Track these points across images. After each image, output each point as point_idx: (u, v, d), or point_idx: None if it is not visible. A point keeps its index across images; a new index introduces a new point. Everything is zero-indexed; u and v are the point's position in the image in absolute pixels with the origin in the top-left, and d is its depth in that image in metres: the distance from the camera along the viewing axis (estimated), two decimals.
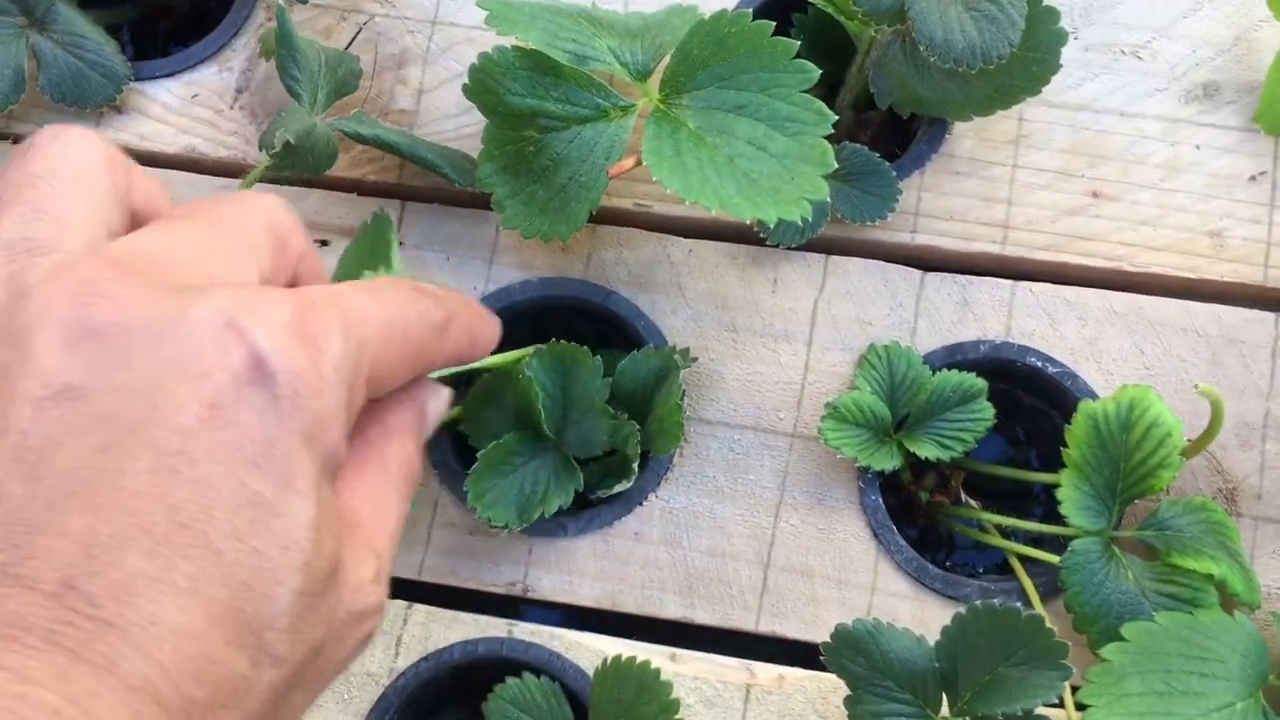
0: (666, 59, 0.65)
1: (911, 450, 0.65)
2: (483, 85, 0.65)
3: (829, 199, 0.60)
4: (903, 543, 0.66)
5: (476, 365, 0.53)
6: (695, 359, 0.67)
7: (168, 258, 0.39)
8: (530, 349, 0.63)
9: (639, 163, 0.61)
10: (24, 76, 0.71)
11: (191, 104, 0.73)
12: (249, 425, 0.35)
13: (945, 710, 0.57)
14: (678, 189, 0.59)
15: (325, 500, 0.37)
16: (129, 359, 0.35)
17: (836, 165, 0.60)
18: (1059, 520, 0.64)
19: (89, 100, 0.72)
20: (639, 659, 0.59)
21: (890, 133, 0.76)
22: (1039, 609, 0.64)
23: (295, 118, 0.63)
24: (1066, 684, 0.54)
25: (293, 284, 0.44)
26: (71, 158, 0.40)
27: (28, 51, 0.71)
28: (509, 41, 0.64)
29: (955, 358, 0.68)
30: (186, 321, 0.35)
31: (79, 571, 0.32)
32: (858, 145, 0.69)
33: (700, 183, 0.60)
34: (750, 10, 0.62)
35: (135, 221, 0.42)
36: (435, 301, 0.44)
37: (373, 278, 0.50)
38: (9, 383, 0.34)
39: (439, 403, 0.48)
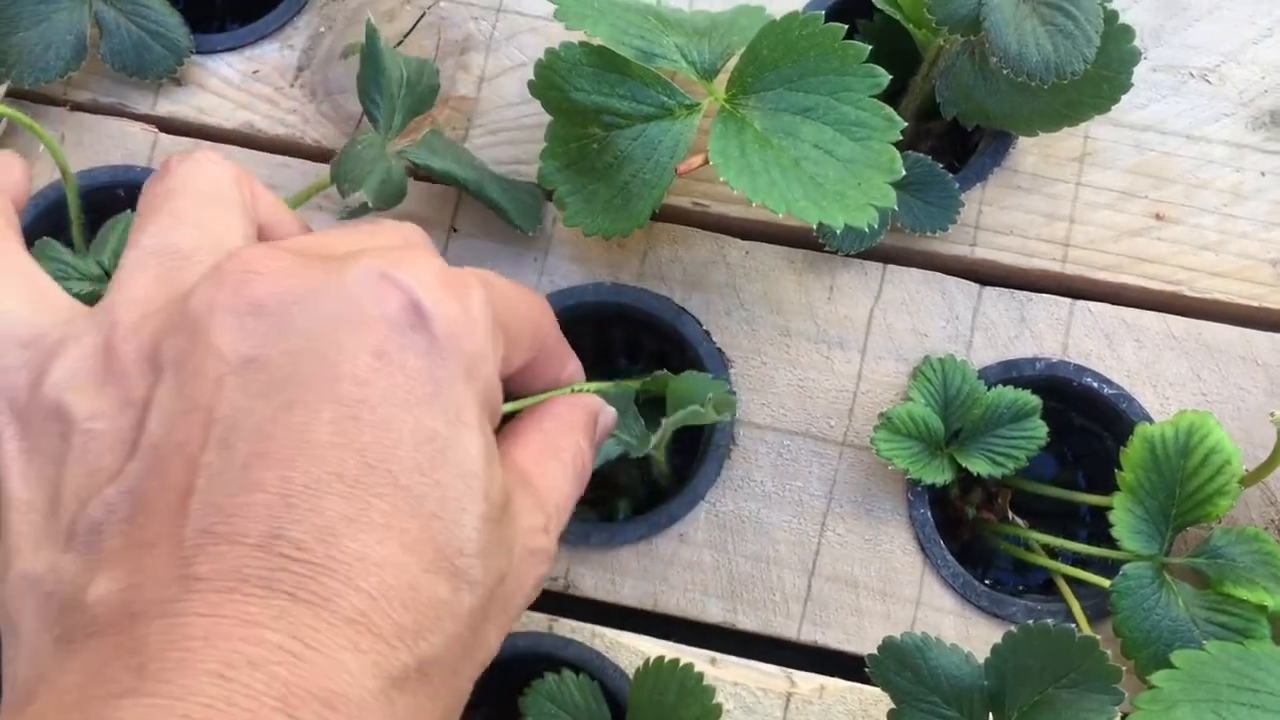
0: (734, 59, 0.64)
1: (963, 465, 0.65)
2: (548, 81, 0.64)
3: (895, 207, 0.60)
4: (950, 558, 0.66)
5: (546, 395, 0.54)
6: (731, 416, 0.68)
7: (313, 241, 0.42)
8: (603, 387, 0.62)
9: (706, 161, 0.61)
10: (85, 43, 0.70)
11: (251, 80, 0.73)
12: (416, 368, 0.38)
13: None
14: (744, 190, 0.59)
15: (489, 436, 0.40)
16: (296, 323, 0.37)
17: (904, 173, 0.60)
18: (1105, 543, 0.64)
19: (150, 71, 0.71)
20: (682, 662, 0.59)
21: (950, 144, 0.76)
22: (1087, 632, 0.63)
23: (370, 162, 0.61)
24: (1118, 710, 0.54)
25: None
26: (203, 175, 0.44)
27: (91, 18, 0.70)
28: (575, 36, 0.63)
29: (1010, 374, 0.67)
30: (343, 281, 0.38)
31: (283, 520, 0.35)
32: (921, 155, 0.69)
33: (767, 184, 0.59)
34: (822, 13, 0.61)
35: (262, 235, 0.45)
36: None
37: None
38: (191, 367, 0.37)
39: (608, 417, 0.54)
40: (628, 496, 0.72)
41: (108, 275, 0.62)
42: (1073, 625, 0.55)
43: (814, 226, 0.67)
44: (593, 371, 0.77)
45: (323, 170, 0.71)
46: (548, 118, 0.66)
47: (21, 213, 0.49)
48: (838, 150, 0.61)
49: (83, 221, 0.65)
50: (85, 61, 0.70)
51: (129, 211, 0.66)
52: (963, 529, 0.70)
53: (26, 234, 0.69)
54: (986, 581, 0.71)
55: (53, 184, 0.71)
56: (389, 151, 0.63)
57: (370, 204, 0.60)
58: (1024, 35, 0.62)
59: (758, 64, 0.62)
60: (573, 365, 0.58)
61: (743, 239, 0.70)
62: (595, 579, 0.66)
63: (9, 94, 0.72)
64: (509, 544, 0.41)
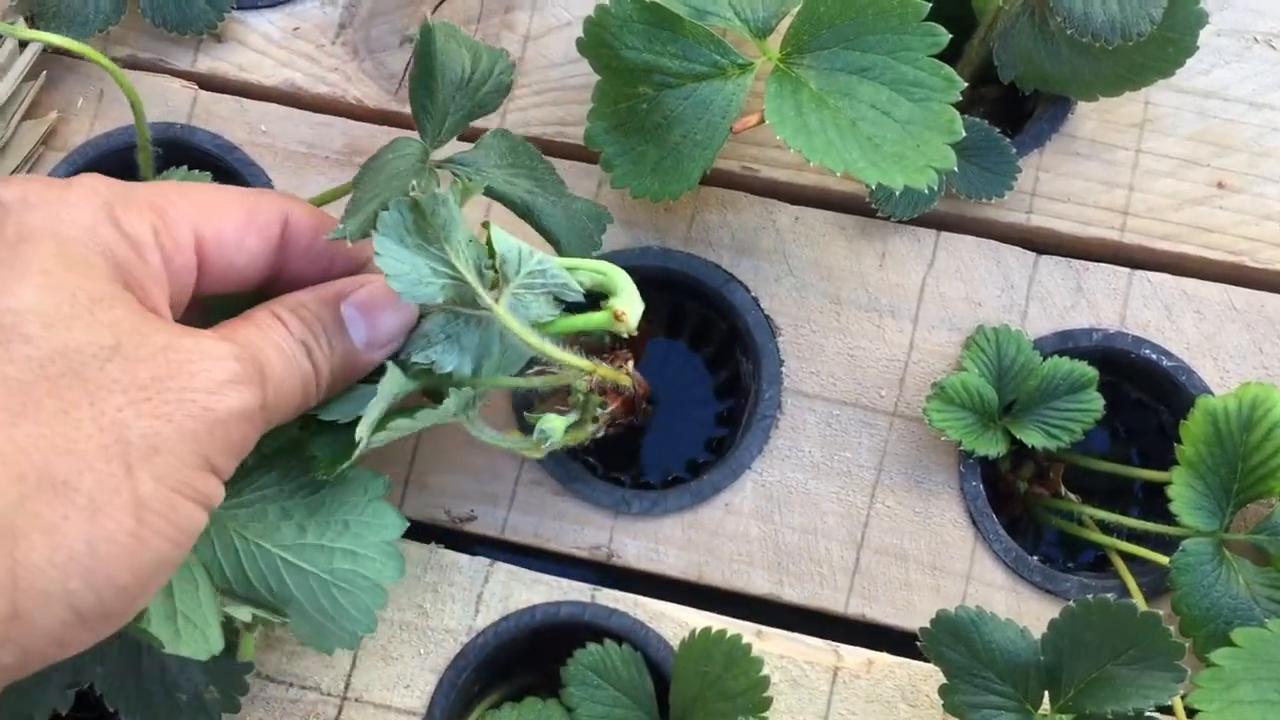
0: (787, 17, 0.63)
1: (1017, 437, 0.63)
2: (598, 39, 0.63)
3: (955, 169, 0.58)
4: (1002, 532, 0.64)
5: None
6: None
7: None
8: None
9: (761, 120, 0.59)
10: None
11: (292, 37, 0.72)
12: None
13: (1046, 706, 0.55)
14: (801, 149, 0.57)
15: (64, 282, 0.43)
16: None
17: (964, 134, 0.58)
18: (1159, 519, 0.62)
19: (190, 27, 0.70)
20: (729, 632, 0.58)
21: (1003, 110, 0.74)
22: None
23: (402, 176, 0.53)
24: (1179, 687, 0.52)
25: None
26: None
27: None
28: None
29: (1066, 345, 0.66)
30: None
31: None
32: (976, 119, 0.67)
33: (824, 144, 0.58)
34: None
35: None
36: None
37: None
38: None
39: (395, 316, 0.53)
40: None
41: None
42: (1133, 601, 0.53)
43: (868, 191, 0.66)
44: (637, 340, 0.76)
45: (363, 129, 0.70)
46: (594, 78, 0.65)
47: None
48: (895, 111, 0.59)
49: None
50: (124, 16, 0.69)
51: (176, 168, 0.66)
52: (1013, 503, 0.69)
53: None
54: (1035, 557, 0.69)
55: (91, 141, 0.69)
56: (430, 162, 0.57)
57: (349, 239, 0.49)
58: None
59: (814, 22, 0.60)
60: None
61: (792, 204, 0.68)
62: (638, 549, 0.64)
63: (47, 49, 0.70)
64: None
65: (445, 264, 0.50)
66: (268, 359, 0.47)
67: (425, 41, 0.55)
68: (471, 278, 0.51)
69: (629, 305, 0.56)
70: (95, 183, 0.47)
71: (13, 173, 0.69)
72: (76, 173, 0.69)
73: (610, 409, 0.60)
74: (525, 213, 0.60)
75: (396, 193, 0.50)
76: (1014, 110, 0.74)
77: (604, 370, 0.58)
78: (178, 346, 0.43)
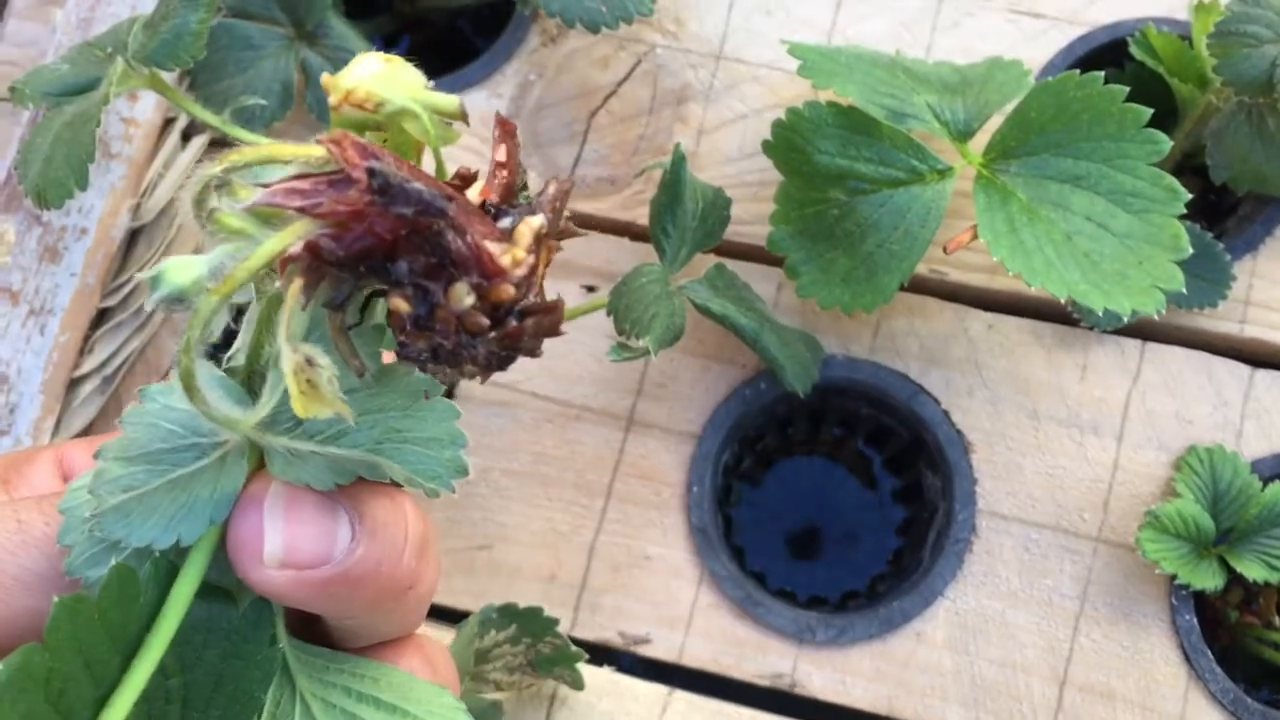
0: (992, 119, 0.59)
1: (1235, 568, 0.59)
2: (788, 143, 0.60)
3: (1184, 290, 0.54)
4: (1218, 670, 0.60)
5: None
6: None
7: None
8: None
9: (975, 237, 0.56)
10: (293, 91, 0.67)
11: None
12: None
13: None
14: (1020, 271, 0.54)
15: None
16: None
17: (1191, 251, 0.54)
18: None
19: None
20: None
21: (1201, 208, 0.69)
22: None
23: (655, 301, 0.55)
24: None
25: None
26: None
27: (297, 65, 0.67)
28: (799, 84, 0.59)
29: None
30: None
31: None
32: (1188, 224, 0.63)
33: (1044, 265, 0.54)
34: (1101, 74, 0.56)
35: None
36: None
37: None
38: None
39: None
40: None
41: None
42: None
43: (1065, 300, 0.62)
44: (803, 444, 0.73)
45: None
46: (770, 174, 0.62)
47: None
48: (1112, 224, 0.55)
49: None
50: (292, 110, 0.67)
51: None
52: (1221, 632, 0.64)
53: None
54: (1246, 692, 0.65)
55: None
56: (672, 287, 0.58)
57: (653, 353, 0.54)
58: None
59: (1024, 126, 0.57)
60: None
61: (985, 310, 0.64)
62: (824, 679, 0.61)
63: (211, 143, 0.69)
64: None
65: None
66: None
67: (677, 169, 0.54)
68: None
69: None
70: None
71: None
72: None
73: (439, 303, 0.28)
74: (753, 340, 0.59)
75: (665, 312, 0.53)
76: (1212, 207, 0.69)
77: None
78: None
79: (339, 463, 0.32)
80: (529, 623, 0.57)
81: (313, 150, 0.28)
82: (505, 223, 0.29)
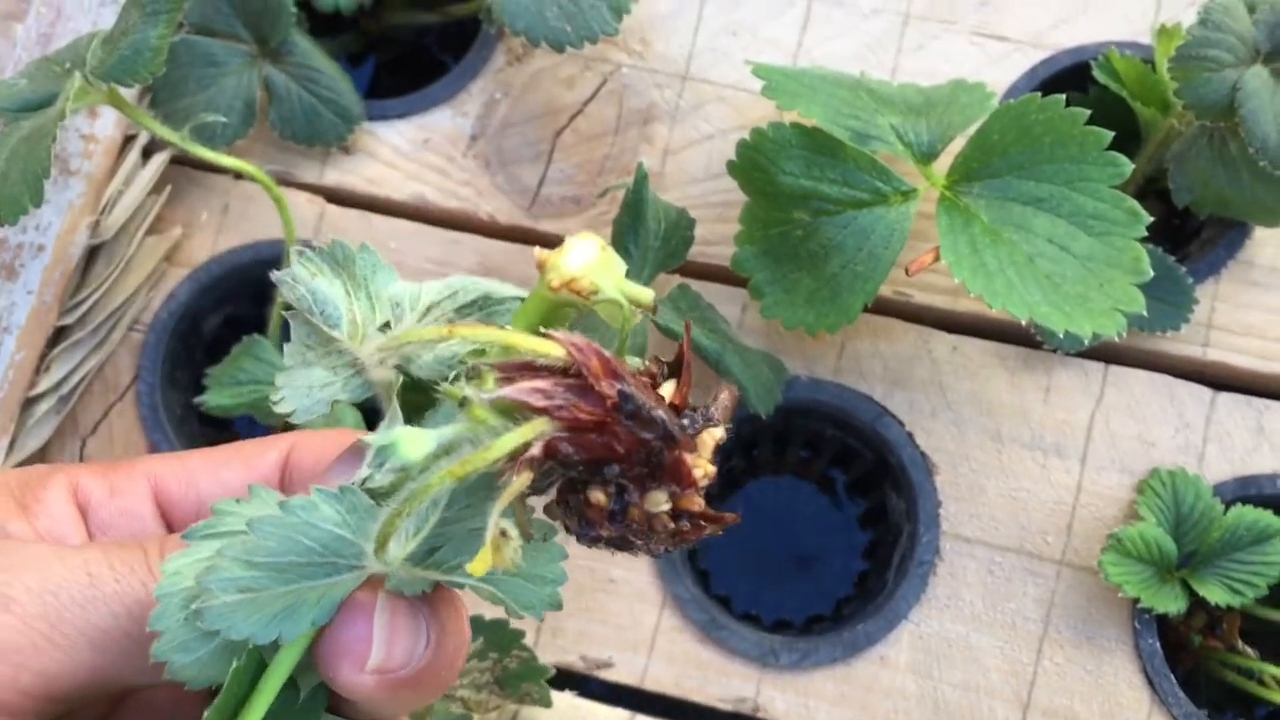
0: (955, 141, 0.59)
1: (1198, 592, 0.59)
2: (751, 162, 0.60)
3: (1145, 312, 0.54)
4: (1181, 695, 0.59)
5: None
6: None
7: None
8: None
9: (937, 259, 0.56)
10: (255, 109, 0.67)
11: (423, 149, 0.69)
12: None
13: None
14: (982, 293, 0.54)
15: None
16: None
17: (1152, 273, 0.54)
18: None
19: (319, 140, 0.67)
20: None
21: (1163, 230, 0.69)
22: None
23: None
24: None
25: None
26: None
27: (260, 83, 0.67)
28: (764, 105, 0.58)
29: (1249, 491, 0.61)
30: None
31: None
32: (1149, 246, 0.63)
33: (1005, 287, 0.54)
34: (1063, 97, 0.56)
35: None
36: None
37: None
38: None
39: None
40: None
41: None
42: None
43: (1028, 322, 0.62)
44: (770, 466, 0.72)
45: (495, 247, 0.67)
46: (735, 194, 0.61)
47: None
48: (1074, 246, 0.56)
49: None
50: (253, 128, 0.67)
51: None
52: (1184, 656, 0.64)
53: (189, 310, 0.66)
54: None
55: (216, 257, 0.67)
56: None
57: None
58: None
59: (985, 149, 0.57)
60: None
61: (948, 332, 0.64)
62: (787, 703, 0.60)
63: (172, 160, 0.68)
64: None
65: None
66: None
67: (639, 188, 0.54)
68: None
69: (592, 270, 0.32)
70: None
71: (136, 290, 0.66)
72: (204, 288, 0.67)
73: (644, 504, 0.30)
74: (716, 363, 0.58)
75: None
76: (1175, 231, 0.70)
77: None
78: None
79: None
80: (495, 635, 0.56)
81: (552, 349, 0.30)
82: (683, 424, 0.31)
